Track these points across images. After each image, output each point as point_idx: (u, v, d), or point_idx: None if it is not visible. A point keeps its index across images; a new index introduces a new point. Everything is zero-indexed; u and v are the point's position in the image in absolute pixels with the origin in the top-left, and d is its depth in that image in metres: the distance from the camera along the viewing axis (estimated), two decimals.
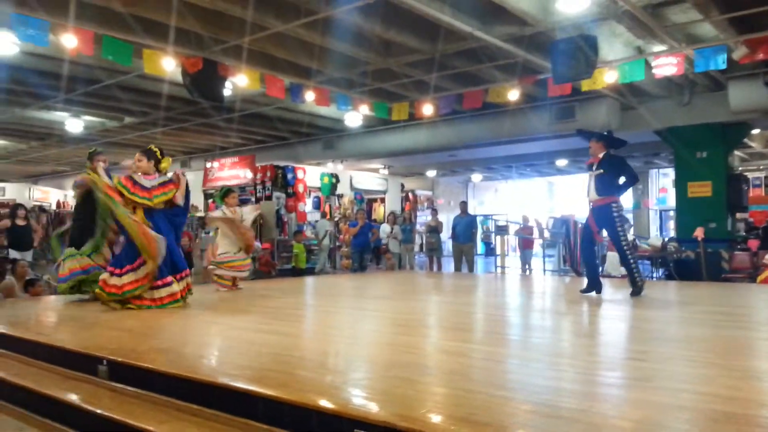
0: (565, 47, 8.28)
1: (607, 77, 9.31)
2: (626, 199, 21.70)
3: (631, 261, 6.48)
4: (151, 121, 14.42)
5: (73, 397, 3.23)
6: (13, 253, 9.73)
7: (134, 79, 10.90)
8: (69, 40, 7.68)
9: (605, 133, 6.96)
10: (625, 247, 6.47)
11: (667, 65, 8.98)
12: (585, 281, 6.93)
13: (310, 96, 10.86)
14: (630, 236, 13.75)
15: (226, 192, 7.93)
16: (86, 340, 4.04)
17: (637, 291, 6.46)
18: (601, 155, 6.63)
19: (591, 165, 6.73)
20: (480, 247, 22.92)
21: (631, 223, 19.34)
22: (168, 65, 8.83)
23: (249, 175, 16.43)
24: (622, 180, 6.62)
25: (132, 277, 5.62)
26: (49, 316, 5.86)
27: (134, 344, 3.87)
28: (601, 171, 6.54)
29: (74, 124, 14.29)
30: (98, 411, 3.00)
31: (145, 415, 2.88)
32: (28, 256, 10.12)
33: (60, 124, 14.45)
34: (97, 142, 15.97)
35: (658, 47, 9.20)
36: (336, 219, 18.47)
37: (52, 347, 3.93)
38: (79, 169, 17.15)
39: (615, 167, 6.54)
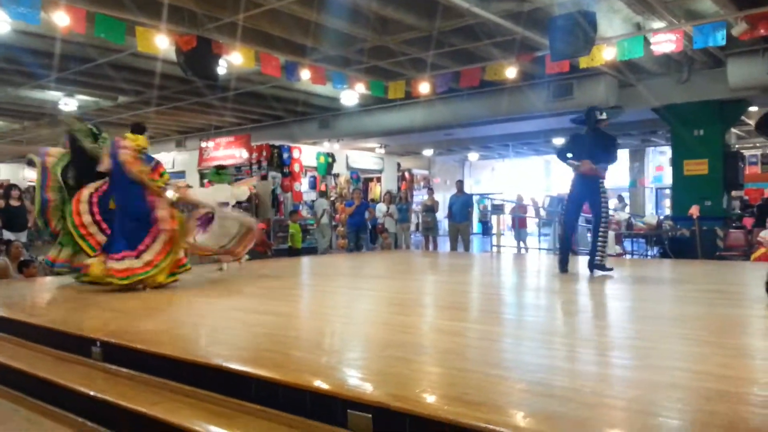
0: (563, 23, 8.19)
1: (606, 54, 9.23)
2: (623, 177, 21.79)
3: None
4: (145, 100, 14.31)
5: (66, 379, 3.23)
6: (8, 234, 9.70)
7: (127, 58, 10.79)
8: (61, 18, 7.57)
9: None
10: None
11: (665, 42, 8.90)
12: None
13: (305, 74, 10.76)
14: (625, 214, 13.82)
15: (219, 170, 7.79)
16: (80, 322, 4.03)
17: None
18: None
19: None
20: (476, 227, 22.93)
21: (627, 202, 19.37)
22: (161, 43, 8.71)
23: (245, 154, 16.35)
24: None
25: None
26: (43, 298, 5.85)
27: (128, 325, 3.86)
28: None
29: (68, 104, 14.17)
30: (91, 393, 3.00)
31: (138, 396, 2.88)
32: (23, 236, 10.09)
33: (53, 103, 14.32)
34: (91, 122, 15.82)
35: (657, 23, 9.11)
36: (332, 198, 18.44)
37: (46, 329, 3.92)
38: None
39: None
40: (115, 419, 2.87)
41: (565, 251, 6.98)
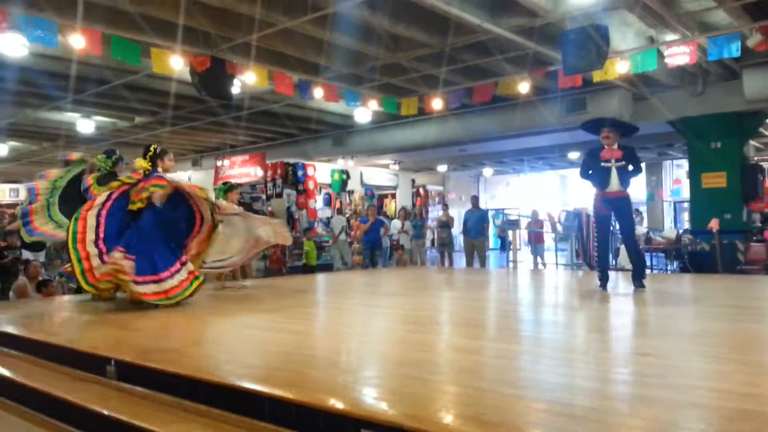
0: (575, 38, 8.17)
1: (619, 67, 9.19)
2: (640, 191, 21.59)
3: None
4: (160, 121, 14.48)
5: (80, 398, 3.22)
6: (26, 254, 9.79)
7: (143, 79, 10.93)
8: (77, 41, 7.70)
9: (619, 121, 6.80)
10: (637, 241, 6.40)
11: (679, 54, 8.84)
12: (598, 276, 6.72)
13: (318, 92, 10.82)
14: (644, 228, 13.67)
15: (230, 187, 7.79)
16: (95, 341, 4.03)
17: (642, 284, 6.42)
18: (616, 145, 6.46)
19: (606, 156, 6.45)
20: (493, 242, 22.76)
21: (643, 215, 19.14)
22: (176, 64, 8.83)
23: (260, 172, 16.46)
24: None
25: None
26: (60, 317, 5.88)
27: (142, 344, 3.86)
28: (623, 162, 6.39)
29: (85, 125, 14.37)
30: (105, 412, 2.99)
31: (151, 415, 2.86)
32: (41, 256, 10.18)
33: (71, 124, 14.53)
34: (108, 143, 16.06)
35: (671, 36, 9.07)
36: (347, 215, 18.47)
37: (61, 348, 3.93)
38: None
39: (631, 157, 6.44)
40: None
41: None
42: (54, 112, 13.76)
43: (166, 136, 16.36)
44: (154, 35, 8.33)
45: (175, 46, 8.65)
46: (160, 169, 5.94)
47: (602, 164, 6.45)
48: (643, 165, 21.65)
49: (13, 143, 18.02)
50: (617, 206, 6.51)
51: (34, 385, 3.58)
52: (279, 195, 16.20)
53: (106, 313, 5.43)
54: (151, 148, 5.99)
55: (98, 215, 5.65)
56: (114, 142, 16.24)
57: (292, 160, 16.70)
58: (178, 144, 18.52)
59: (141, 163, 5.90)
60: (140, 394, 3.19)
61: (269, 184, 16.44)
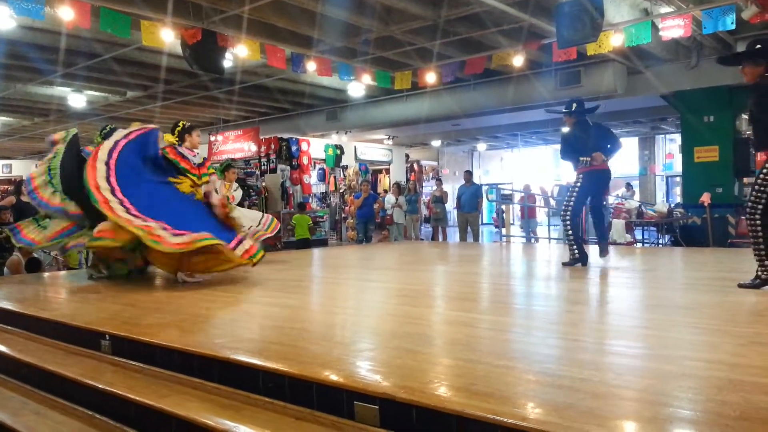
0: (570, 10, 8.09)
1: (613, 40, 9.12)
2: (633, 165, 21.62)
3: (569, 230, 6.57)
4: (152, 95, 14.34)
5: (75, 373, 3.24)
6: None
7: (134, 52, 10.78)
8: (65, 13, 7.56)
9: (573, 104, 6.82)
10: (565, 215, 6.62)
11: (674, 27, 8.77)
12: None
13: (311, 66, 10.71)
14: (635, 202, 13.72)
15: (227, 166, 7.82)
16: (89, 315, 4.04)
17: (569, 262, 6.55)
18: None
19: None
20: (487, 217, 22.74)
21: (634, 189, 19.17)
22: (166, 37, 8.69)
23: (253, 147, 16.37)
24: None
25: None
26: (54, 292, 5.88)
27: (137, 319, 3.87)
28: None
29: (77, 99, 14.22)
30: (100, 386, 3.01)
31: (146, 389, 2.89)
32: None
33: (62, 99, 14.37)
34: (100, 117, 15.91)
35: (665, 9, 8.99)
36: (341, 191, 18.46)
37: (56, 323, 3.95)
38: (85, 144, 17.10)
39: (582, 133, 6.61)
40: (123, 412, 2.88)
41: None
42: (45, 86, 13.59)
43: (159, 111, 16.21)
44: (144, 7, 8.19)
45: (166, 18, 8.51)
46: (188, 144, 6.16)
47: None
48: (635, 139, 21.57)
49: (4, 118, 17.83)
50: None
51: (29, 360, 3.60)
52: (273, 170, 16.15)
53: (100, 288, 5.44)
54: (180, 124, 6.22)
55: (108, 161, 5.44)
56: (106, 117, 16.09)
57: (285, 135, 16.61)
58: (171, 119, 18.29)
59: (169, 138, 6.10)
60: (135, 368, 3.21)
61: (263, 160, 16.39)
